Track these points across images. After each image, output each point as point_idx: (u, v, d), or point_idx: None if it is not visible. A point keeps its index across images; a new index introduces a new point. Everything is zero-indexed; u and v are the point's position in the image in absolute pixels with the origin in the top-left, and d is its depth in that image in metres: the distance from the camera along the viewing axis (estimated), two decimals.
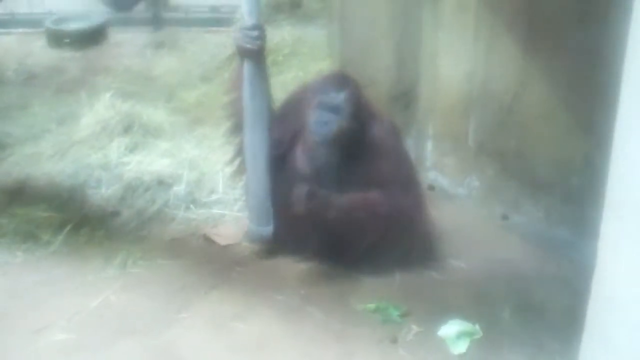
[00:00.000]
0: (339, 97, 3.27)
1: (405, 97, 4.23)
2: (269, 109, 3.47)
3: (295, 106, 3.50)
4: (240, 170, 3.66)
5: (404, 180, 3.41)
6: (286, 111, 3.54)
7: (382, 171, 3.36)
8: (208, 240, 3.73)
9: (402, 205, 3.31)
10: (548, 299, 3.26)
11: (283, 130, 3.48)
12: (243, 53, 3.35)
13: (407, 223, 3.33)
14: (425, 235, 3.47)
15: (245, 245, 3.64)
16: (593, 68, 3.27)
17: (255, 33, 3.30)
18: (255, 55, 3.34)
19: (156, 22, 7.18)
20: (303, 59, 5.83)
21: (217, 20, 7.04)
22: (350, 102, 3.29)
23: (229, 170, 3.89)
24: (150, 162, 4.21)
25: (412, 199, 3.38)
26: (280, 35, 6.12)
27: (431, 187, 4.21)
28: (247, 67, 3.35)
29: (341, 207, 3.25)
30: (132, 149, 4.41)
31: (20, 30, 6.97)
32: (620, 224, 1.79)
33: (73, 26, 6.79)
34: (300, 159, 3.44)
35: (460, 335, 3.03)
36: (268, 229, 3.50)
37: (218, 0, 7.28)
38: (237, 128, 3.56)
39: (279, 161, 3.47)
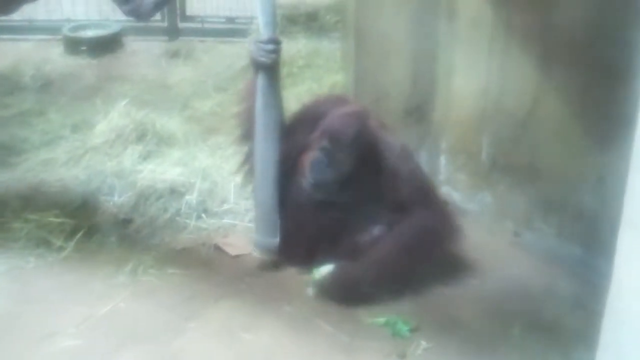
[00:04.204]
0: (341, 147, 3.31)
1: (419, 112, 4.23)
2: (281, 122, 3.49)
3: (304, 121, 3.53)
4: (247, 179, 3.71)
5: (425, 200, 3.42)
6: (295, 125, 3.56)
7: (402, 195, 3.38)
8: (219, 250, 3.73)
9: (430, 226, 3.34)
10: (559, 316, 3.24)
11: (291, 145, 3.50)
12: (257, 66, 3.37)
13: (440, 241, 3.36)
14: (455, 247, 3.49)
15: (256, 256, 3.64)
16: (607, 85, 3.27)
17: (270, 47, 3.31)
18: (269, 68, 3.36)
19: (172, 31, 7.22)
20: (317, 72, 5.85)
21: (232, 31, 7.06)
22: (354, 147, 3.32)
23: (239, 179, 3.91)
24: (163, 170, 4.22)
25: (437, 216, 3.40)
26: (295, 47, 6.14)
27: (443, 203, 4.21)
28: (260, 80, 3.37)
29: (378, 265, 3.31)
30: (145, 157, 4.43)
31: (38, 37, 7.01)
32: (637, 240, 1.77)
33: (90, 34, 6.83)
34: (305, 180, 3.45)
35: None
36: (274, 241, 3.50)
37: (234, 12, 7.32)
38: (246, 137, 3.60)
39: (286, 175, 3.49)
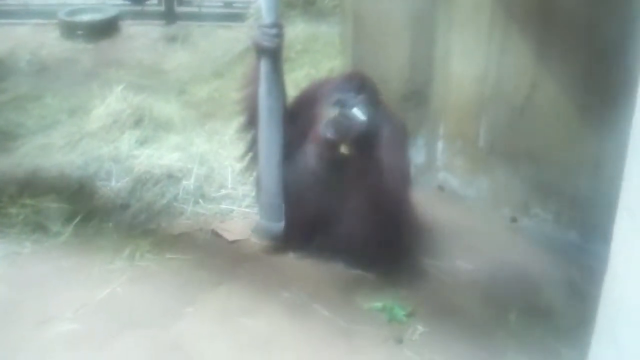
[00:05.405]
0: (357, 98, 3.25)
1: (417, 97, 4.21)
2: (284, 107, 3.47)
3: (306, 104, 3.49)
4: (251, 166, 3.70)
5: (398, 173, 3.35)
6: (297, 109, 3.53)
7: (380, 161, 3.33)
8: (216, 235, 3.73)
9: (390, 189, 3.27)
10: (555, 302, 3.26)
11: (294, 128, 3.47)
12: (260, 50, 3.33)
13: (392, 210, 3.28)
14: (408, 231, 3.43)
15: (253, 241, 3.64)
16: (606, 70, 3.26)
17: (273, 31, 3.29)
18: (272, 53, 3.33)
19: (169, 16, 7.19)
20: (315, 57, 5.82)
21: (230, 15, 7.04)
22: (367, 104, 3.27)
23: (238, 165, 3.91)
24: (161, 155, 4.21)
25: (401, 189, 3.34)
26: (293, 32, 6.10)
27: (441, 188, 4.20)
28: (263, 65, 3.34)
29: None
30: (142, 142, 4.42)
31: (34, 21, 6.98)
32: (634, 226, 1.77)
33: (86, 18, 6.81)
34: (310, 156, 3.43)
35: None
36: (279, 225, 3.50)
37: None
38: (250, 123, 3.57)
39: (289, 159, 3.48)
